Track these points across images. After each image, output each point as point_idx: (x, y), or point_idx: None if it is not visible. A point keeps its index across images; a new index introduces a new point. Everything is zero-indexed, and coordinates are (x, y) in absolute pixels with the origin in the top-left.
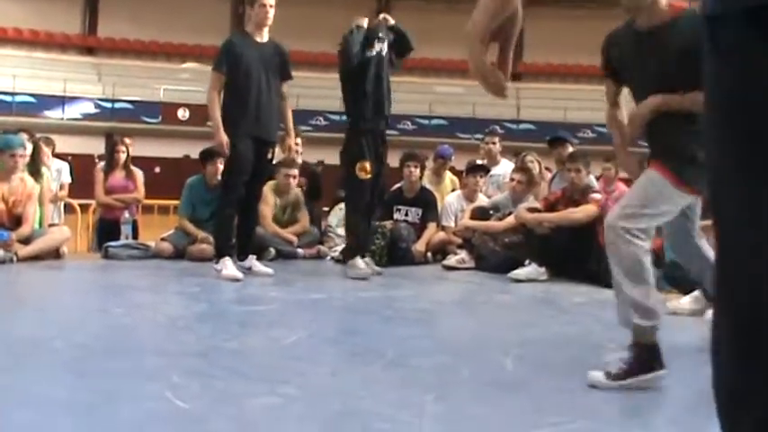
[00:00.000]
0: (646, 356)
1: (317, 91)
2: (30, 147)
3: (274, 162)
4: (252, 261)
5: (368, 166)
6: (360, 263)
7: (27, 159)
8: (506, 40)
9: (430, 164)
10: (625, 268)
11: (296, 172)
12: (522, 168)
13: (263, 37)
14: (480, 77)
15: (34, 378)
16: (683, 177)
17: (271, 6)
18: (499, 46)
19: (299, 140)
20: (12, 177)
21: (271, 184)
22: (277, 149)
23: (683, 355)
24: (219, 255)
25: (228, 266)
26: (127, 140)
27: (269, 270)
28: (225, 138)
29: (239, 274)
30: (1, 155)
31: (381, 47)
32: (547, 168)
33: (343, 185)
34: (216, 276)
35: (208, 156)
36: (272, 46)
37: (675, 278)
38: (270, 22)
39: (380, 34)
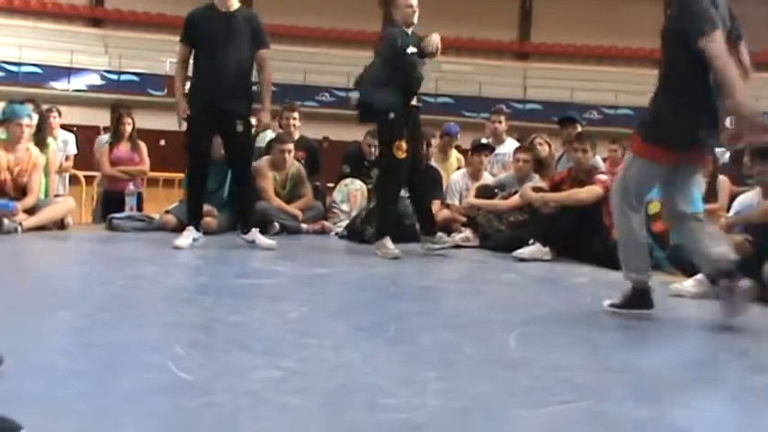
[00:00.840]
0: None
1: (323, 66)
2: (36, 117)
3: (274, 137)
4: (255, 235)
5: (404, 144)
6: (389, 243)
7: (33, 129)
8: None
9: (436, 141)
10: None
11: (291, 146)
12: (526, 148)
13: (230, 6)
14: None
15: (38, 347)
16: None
17: None
18: None
19: (296, 114)
20: (17, 147)
21: (268, 158)
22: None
23: (688, 336)
24: (187, 223)
25: (184, 235)
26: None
27: (272, 243)
28: (182, 111)
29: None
30: (7, 124)
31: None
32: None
33: (380, 166)
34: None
35: None
36: (242, 15)
37: (679, 260)
38: None
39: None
